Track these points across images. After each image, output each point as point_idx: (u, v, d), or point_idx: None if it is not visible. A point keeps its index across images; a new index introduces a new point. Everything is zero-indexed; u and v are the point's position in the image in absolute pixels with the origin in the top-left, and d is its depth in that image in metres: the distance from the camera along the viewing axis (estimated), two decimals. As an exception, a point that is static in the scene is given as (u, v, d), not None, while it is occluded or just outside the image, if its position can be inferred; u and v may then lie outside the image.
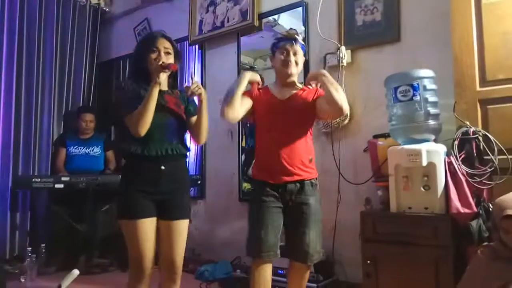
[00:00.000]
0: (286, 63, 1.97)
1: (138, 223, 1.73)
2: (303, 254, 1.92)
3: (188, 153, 1.98)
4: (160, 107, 1.78)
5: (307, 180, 1.97)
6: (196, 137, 1.93)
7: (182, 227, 1.85)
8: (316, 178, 2.03)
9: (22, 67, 3.77)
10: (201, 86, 1.82)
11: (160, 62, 1.79)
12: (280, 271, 2.52)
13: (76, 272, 1.19)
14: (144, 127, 1.73)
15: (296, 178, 1.94)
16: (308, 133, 2.03)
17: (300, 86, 2.07)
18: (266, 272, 1.92)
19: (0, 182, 3.57)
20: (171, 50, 1.87)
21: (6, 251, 3.55)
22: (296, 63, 1.99)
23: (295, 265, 1.98)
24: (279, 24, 3.24)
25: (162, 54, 1.83)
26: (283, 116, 1.96)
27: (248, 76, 1.99)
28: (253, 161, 2.13)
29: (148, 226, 1.76)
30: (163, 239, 1.82)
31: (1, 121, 3.61)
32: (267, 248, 1.88)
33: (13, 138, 3.66)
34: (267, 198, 1.93)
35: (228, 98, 1.91)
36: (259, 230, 1.89)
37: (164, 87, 1.89)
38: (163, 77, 1.80)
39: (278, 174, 1.94)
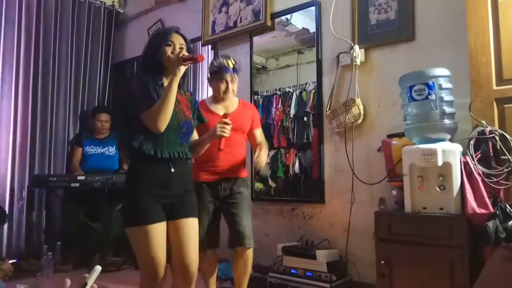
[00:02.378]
0: (226, 93, 2.30)
1: (151, 228, 1.65)
2: (242, 237, 2.18)
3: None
4: (174, 105, 1.69)
5: (240, 178, 2.32)
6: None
7: (190, 225, 1.78)
8: (247, 177, 2.40)
9: (38, 68, 3.85)
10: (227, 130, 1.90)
11: (181, 54, 1.71)
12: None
13: (98, 268, 1.20)
14: (164, 122, 1.64)
15: (231, 175, 2.30)
16: (244, 140, 2.37)
17: (236, 99, 2.40)
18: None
19: (17, 181, 3.66)
20: (184, 47, 1.79)
21: (23, 248, 3.62)
22: (233, 91, 2.32)
23: (238, 251, 2.21)
24: (291, 23, 3.24)
25: (177, 48, 1.75)
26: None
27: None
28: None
29: (160, 232, 1.68)
30: (174, 241, 1.75)
31: (18, 121, 3.70)
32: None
33: (29, 138, 3.74)
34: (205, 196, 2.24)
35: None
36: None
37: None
38: (182, 70, 1.69)
39: (216, 175, 2.26)
